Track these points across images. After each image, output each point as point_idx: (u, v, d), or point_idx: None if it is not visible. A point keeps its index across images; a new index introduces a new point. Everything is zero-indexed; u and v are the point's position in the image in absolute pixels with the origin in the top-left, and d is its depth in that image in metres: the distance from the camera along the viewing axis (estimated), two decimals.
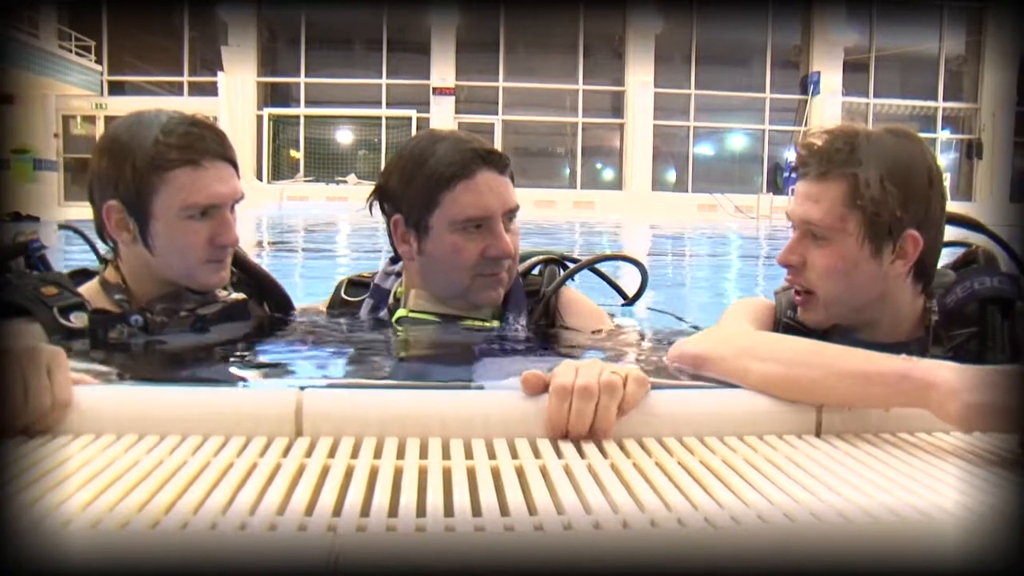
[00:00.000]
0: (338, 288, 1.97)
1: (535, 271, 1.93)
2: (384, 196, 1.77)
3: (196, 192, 1.59)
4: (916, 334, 1.55)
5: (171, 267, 1.65)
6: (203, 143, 1.61)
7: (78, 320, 1.55)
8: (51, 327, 1.52)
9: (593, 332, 1.85)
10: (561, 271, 1.91)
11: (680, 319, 1.98)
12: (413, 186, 1.70)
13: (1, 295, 1.55)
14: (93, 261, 1.98)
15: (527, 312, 1.82)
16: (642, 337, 1.88)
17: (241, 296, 1.77)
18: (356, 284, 1.96)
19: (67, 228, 1.86)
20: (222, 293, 1.74)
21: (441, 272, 1.74)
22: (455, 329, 1.76)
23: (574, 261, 1.96)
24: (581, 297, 1.93)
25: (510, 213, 1.73)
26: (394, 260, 1.87)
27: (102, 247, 1.74)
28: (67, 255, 1.83)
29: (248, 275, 1.88)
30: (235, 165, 1.68)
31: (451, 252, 1.69)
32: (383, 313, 1.84)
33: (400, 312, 1.78)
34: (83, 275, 1.75)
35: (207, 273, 1.66)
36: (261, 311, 1.90)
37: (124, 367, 1.52)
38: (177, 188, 1.58)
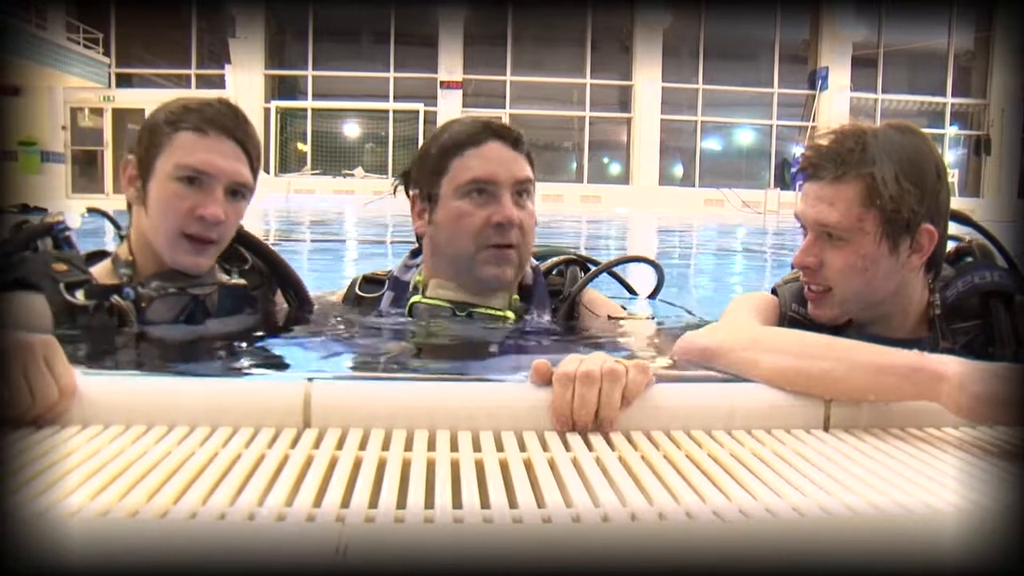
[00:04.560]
0: (352, 284, 1.95)
1: (555, 271, 1.92)
2: (407, 180, 1.81)
3: (190, 154, 1.59)
4: (921, 327, 1.55)
5: (156, 232, 1.63)
6: (218, 117, 1.62)
7: (82, 296, 1.57)
8: (55, 301, 1.54)
9: (611, 319, 1.85)
10: (580, 271, 1.91)
11: (690, 312, 1.98)
12: (427, 159, 1.73)
13: (14, 270, 1.57)
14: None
15: (551, 310, 1.82)
16: (659, 331, 1.87)
17: (241, 281, 1.75)
18: (371, 281, 1.94)
19: (95, 212, 1.87)
20: (222, 277, 1.73)
21: (447, 243, 1.71)
22: (474, 326, 1.73)
23: (591, 261, 1.96)
24: (602, 297, 1.93)
25: (520, 187, 1.71)
26: (414, 255, 1.87)
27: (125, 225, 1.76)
28: (94, 241, 1.83)
29: (268, 265, 1.84)
30: (247, 152, 1.65)
31: (456, 218, 1.68)
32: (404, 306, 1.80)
33: (415, 299, 1.75)
34: (100, 256, 1.76)
35: (183, 250, 1.62)
36: (274, 303, 1.87)
37: (133, 357, 1.53)
38: (176, 147, 1.60)
